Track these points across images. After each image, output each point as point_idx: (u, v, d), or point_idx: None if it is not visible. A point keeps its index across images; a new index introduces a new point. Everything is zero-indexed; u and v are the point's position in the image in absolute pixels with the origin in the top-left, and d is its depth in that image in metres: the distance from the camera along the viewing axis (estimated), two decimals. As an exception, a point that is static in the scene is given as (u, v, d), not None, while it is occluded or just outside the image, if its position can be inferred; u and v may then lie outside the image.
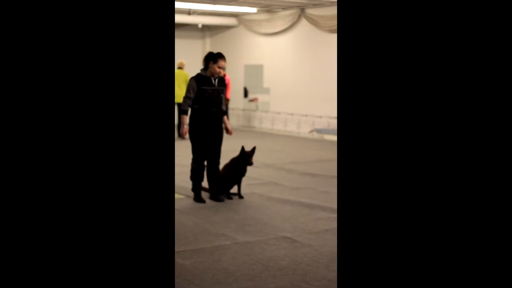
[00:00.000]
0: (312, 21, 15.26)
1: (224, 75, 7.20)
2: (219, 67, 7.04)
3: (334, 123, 14.98)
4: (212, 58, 7.06)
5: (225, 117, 7.38)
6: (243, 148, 7.43)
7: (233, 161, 7.44)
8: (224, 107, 7.31)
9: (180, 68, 14.63)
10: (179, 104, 14.49)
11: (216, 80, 7.14)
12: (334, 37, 14.87)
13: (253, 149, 7.48)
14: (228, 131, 7.47)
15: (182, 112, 7.16)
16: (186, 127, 7.18)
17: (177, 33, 18.68)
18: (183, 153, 10.92)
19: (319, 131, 15.26)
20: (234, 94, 16.98)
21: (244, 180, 8.70)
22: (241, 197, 7.42)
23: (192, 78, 7.11)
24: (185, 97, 7.10)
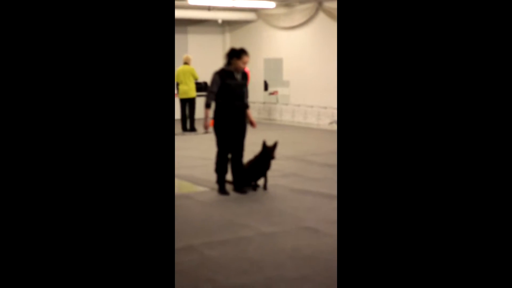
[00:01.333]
0: (330, 14, 15.30)
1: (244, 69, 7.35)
2: (243, 63, 7.21)
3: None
4: (236, 54, 7.21)
5: (248, 110, 7.48)
6: (264, 143, 7.53)
7: (257, 156, 7.56)
8: (247, 101, 7.44)
9: (186, 63, 14.59)
10: (185, 100, 14.58)
11: (239, 74, 7.29)
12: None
13: (275, 144, 7.56)
14: (252, 124, 7.58)
15: (206, 106, 7.29)
16: (209, 120, 7.33)
17: (197, 29, 18.81)
18: (206, 146, 11.06)
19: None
20: (254, 88, 17.09)
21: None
22: (265, 189, 7.53)
23: (216, 73, 7.27)
24: (209, 91, 7.26)
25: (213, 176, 7.70)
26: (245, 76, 7.39)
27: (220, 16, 17.30)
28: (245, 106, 7.41)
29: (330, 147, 11.48)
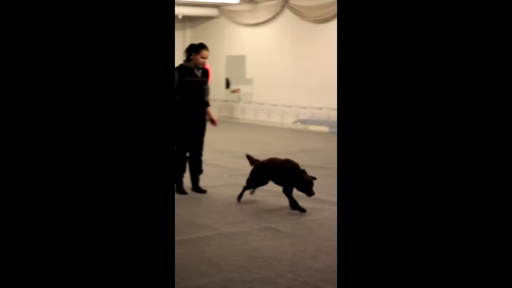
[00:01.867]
0: (296, 11, 15.17)
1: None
2: (202, 58, 6.97)
3: (318, 114, 14.93)
4: (195, 49, 7.00)
5: (209, 108, 7.30)
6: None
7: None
8: (207, 98, 7.24)
9: None
10: None
11: (200, 71, 7.08)
12: (318, 28, 14.83)
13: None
14: (213, 122, 7.40)
15: None
16: None
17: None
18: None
19: (304, 121, 15.21)
20: (215, 85, 16.87)
21: (227, 171, 8.67)
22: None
23: (175, 68, 7.00)
24: None
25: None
26: (206, 73, 7.19)
27: (180, 11, 17.06)
28: (206, 104, 7.21)
29: (295, 146, 11.36)
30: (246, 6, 16.62)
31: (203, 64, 7.04)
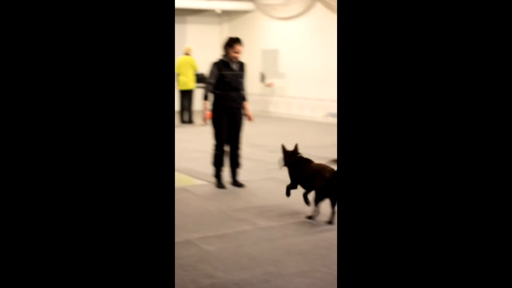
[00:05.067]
0: (327, 5, 15.28)
1: None
2: (235, 52, 7.08)
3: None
4: (229, 43, 7.12)
5: (246, 103, 7.35)
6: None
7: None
8: (243, 92, 7.31)
9: (187, 54, 14.51)
10: (184, 92, 14.52)
11: (236, 65, 7.17)
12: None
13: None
14: (249, 118, 7.47)
15: (204, 97, 7.14)
16: (207, 113, 7.23)
17: (195, 19, 18.78)
18: (204, 138, 11.05)
19: (334, 115, 15.30)
20: (250, 79, 17.08)
21: (263, 165, 8.84)
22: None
23: (214, 63, 7.16)
24: (207, 83, 7.18)
25: (209, 169, 7.65)
26: (242, 66, 7.26)
27: (218, 6, 17.28)
28: (242, 98, 7.30)
29: (326, 140, 11.47)
30: (280, 0, 16.76)
31: (236, 58, 7.12)
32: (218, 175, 7.41)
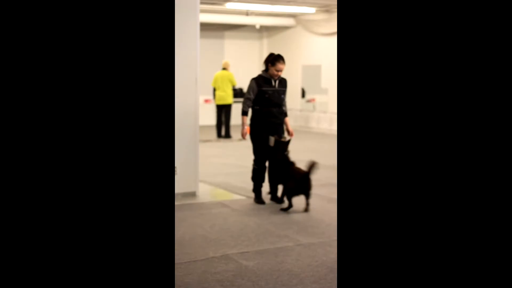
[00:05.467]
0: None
1: None
2: (277, 70, 7.03)
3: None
4: (271, 61, 7.06)
5: (286, 119, 7.31)
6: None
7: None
8: (285, 108, 7.26)
9: (224, 69, 14.48)
10: (222, 106, 14.44)
11: (277, 81, 7.12)
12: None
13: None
14: (289, 133, 7.38)
15: (242, 113, 7.12)
16: (246, 128, 7.15)
17: (235, 34, 18.76)
18: (241, 153, 10.95)
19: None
20: (291, 95, 16.95)
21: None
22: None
23: (253, 79, 7.13)
24: (245, 98, 7.12)
25: (248, 184, 7.53)
26: (284, 83, 7.22)
27: (258, 21, 17.21)
28: (283, 113, 7.24)
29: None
30: (322, 16, 16.62)
31: (277, 76, 7.07)
32: (257, 190, 7.27)
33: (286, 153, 7.01)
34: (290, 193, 6.82)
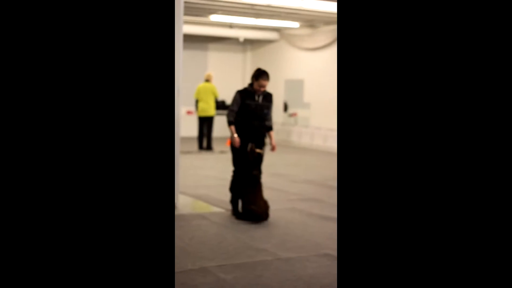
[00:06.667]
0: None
1: None
2: (260, 86, 7.03)
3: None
4: (255, 76, 7.07)
5: (271, 132, 7.33)
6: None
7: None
8: (268, 123, 7.26)
9: (207, 80, 14.42)
10: (204, 118, 14.40)
11: (261, 96, 7.12)
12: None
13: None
14: (272, 148, 7.37)
15: (229, 123, 7.09)
16: (236, 136, 7.04)
17: (218, 46, 18.76)
18: (223, 165, 10.91)
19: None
20: (273, 109, 16.97)
21: (285, 196, 8.67)
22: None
23: (238, 91, 7.15)
24: (229, 110, 7.12)
25: (229, 197, 7.47)
26: (269, 97, 7.22)
27: (242, 34, 17.21)
28: (266, 128, 7.24)
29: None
30: (306, 31, 16.69)
31: (260, 91, 7.06)
32: (234, 201, 7.24)
33: (258, 173, 7.07)
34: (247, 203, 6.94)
